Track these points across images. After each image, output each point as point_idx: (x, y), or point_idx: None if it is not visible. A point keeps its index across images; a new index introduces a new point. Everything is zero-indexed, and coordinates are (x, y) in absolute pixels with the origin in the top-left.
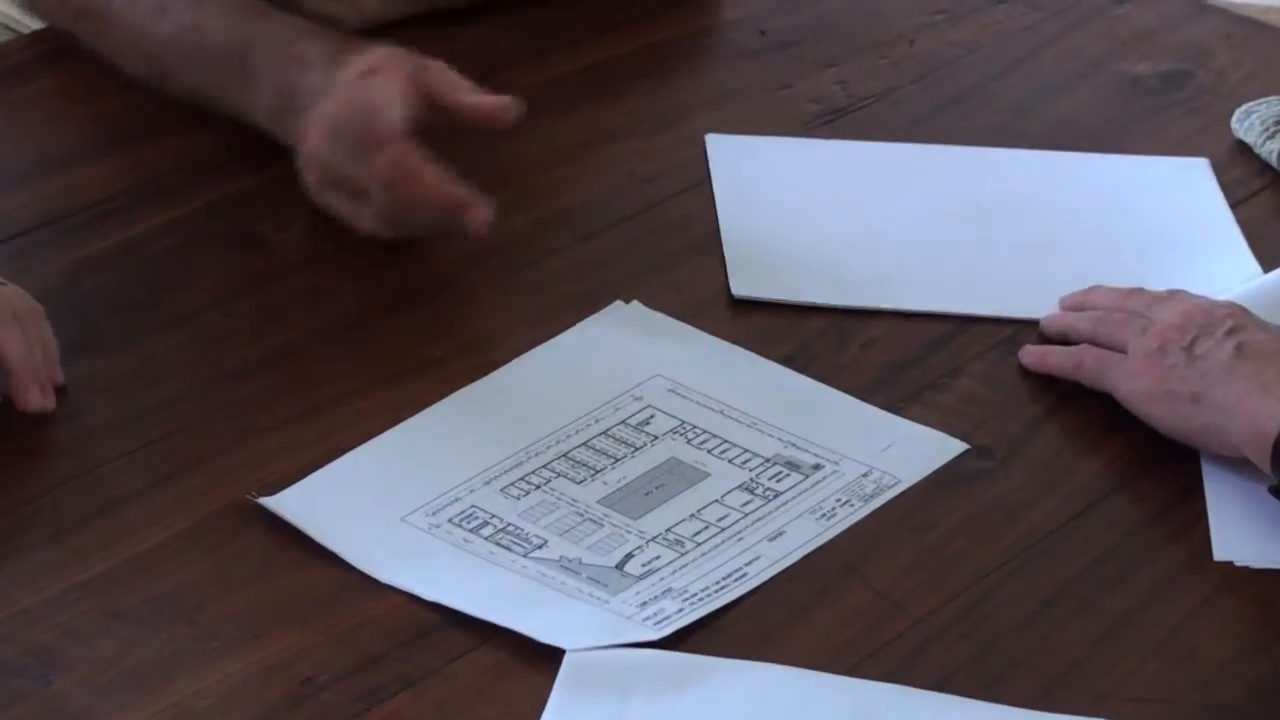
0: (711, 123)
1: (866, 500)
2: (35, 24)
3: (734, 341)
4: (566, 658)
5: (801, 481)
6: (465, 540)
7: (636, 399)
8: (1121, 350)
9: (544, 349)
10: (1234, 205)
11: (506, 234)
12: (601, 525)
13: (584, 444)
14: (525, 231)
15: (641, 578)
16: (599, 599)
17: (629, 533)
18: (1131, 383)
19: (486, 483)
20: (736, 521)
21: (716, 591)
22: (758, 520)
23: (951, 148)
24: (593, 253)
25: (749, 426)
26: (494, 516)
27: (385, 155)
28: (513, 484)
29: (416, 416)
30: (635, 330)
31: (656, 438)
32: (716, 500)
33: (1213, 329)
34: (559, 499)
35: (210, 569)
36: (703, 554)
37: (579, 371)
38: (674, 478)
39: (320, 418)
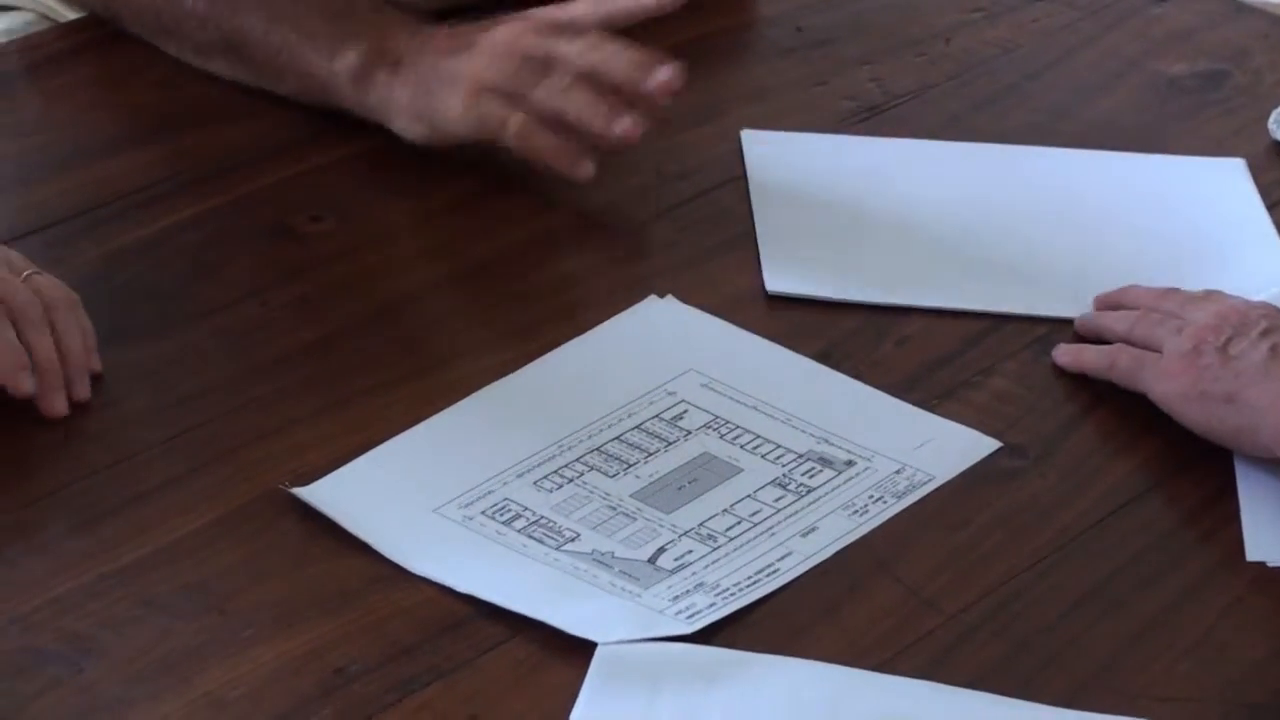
0: (747, 119)
1: (899, 497)
2: (72, 13)
3: (768, 337)
4: (598, 651)
5: (834, 478)
6: (498, 533)
7: (670, 394)
8: (1156, 350)
9: (578, 343)
10: (1270, 206)
11: (542, 227)
12: (634, 519)
13: (617, 438)
14: (561, 225)
15: (674, 572)
16: (631, 593)
17: (661, 527)
18: (1166, 383)
19: (519, 475)
20: (769, 517)
21: (748, 586)
22: (790, 516)
23: (987, 146)
24: (628, 247)
25: (782, 422)
26: (527, 509)
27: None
28: (546, 477)
29: (450, 409)
30: (669, 325)
31: (690, 432)
32: (749, 495)
33: (1247, 330)
34: (592, 492)
35: (243, 558)
36: (735, 549)
37: (613, 366)
38: (707, 472)
39: (353, 409)
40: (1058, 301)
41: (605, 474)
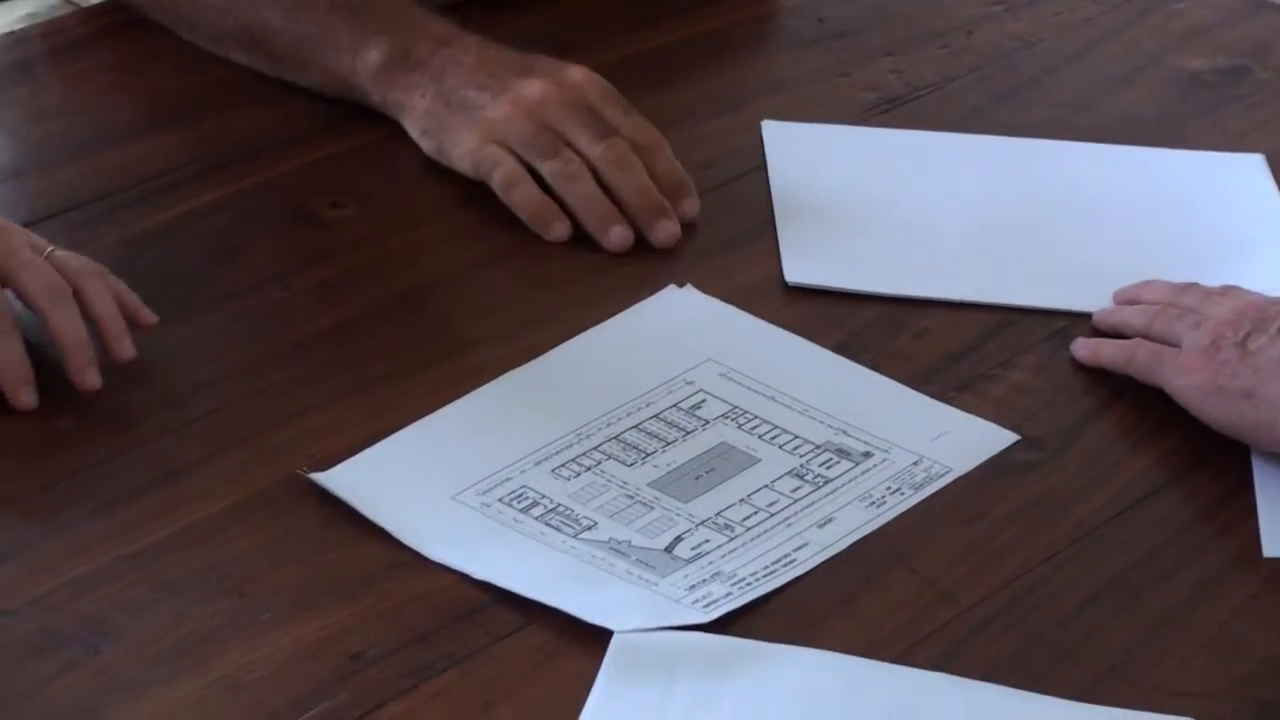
0: (769, 109)
1: (916, 489)
2: None
3: (787, 328)
4: (614, 639)
5: (852, 469)
6: (515, 520)
7: (688, 383)
8: (1175, 345)
9: (597, 331)
10: None
11: None
12: (651, 508)
13: (635, 427)
14: None
15: (690, 561)
16: (648, 581)
17: (679, 516)
18: (1184, 378)
19: (537, 463)
20: (786, 507)
21: (765, 576)
22: (807, 506)
23: (1008, 139)
24: None
25: (800, 413)
26: (544, 497)
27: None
28: (564, 465)
29: (469, 396)
30: (688, 314)
31: (708, 422)
32: (766, 485)
33: (1266, 325)
34: (609, 481)
35: (261, 543)
36: (752, 539)
37: (631, 354)
38: (724, 462)
39: (372, 394)
40: (1076, 295)
41: (623, 463)
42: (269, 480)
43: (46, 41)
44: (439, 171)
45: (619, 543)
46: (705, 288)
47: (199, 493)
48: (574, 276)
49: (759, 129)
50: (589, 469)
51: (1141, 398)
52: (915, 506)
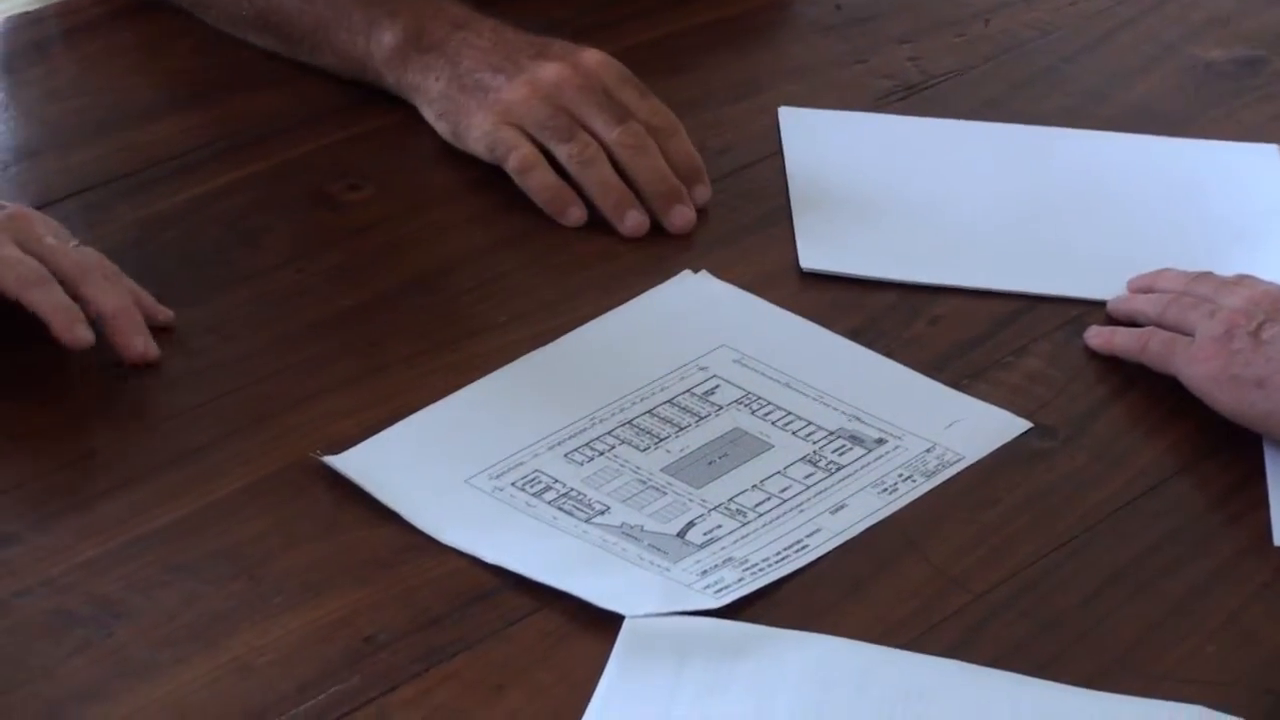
0: (785, 96)
1: (929, 476)
2: None
3: (801, 314)
4: (625, 623)
5: (865, 455)
6: (528, 504)
7: (702, 369)
8: (1188, 334)
9: (611, 316)
10: None
11: None
12: (664, 493)
13: (648, 412)
14: None
15: (702, 546)
16: (660, 566)
17: (691, 501)
18: (1197, 367)
19: (550, 448)
20: (799, 493)
21: (777, 562)
22: (820, 493)
23: (1024, 127)
24: None
25: (814, 399)
26: (557, 481)
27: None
28: (577, 450)
29: (482, 380)
30: (703, 300)
31: (721, 408)
32: (779, 472)
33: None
34: (622, 466)
35: (273, 525)
36: (764, 524)
37: (645, 339)
38: (737, 448)
39: (386, 378)
40: (1091, 284)
41: (636, 448)
42: (282, 462)
43: (62, 22)
44: (455, 155)
45: (631, 527)
46: (720, 273)
47: (212, 474)
48: (589, 261)
49: (775, 115)
50: (602, 454)
51: (1154, 386)
52: (928, 493)
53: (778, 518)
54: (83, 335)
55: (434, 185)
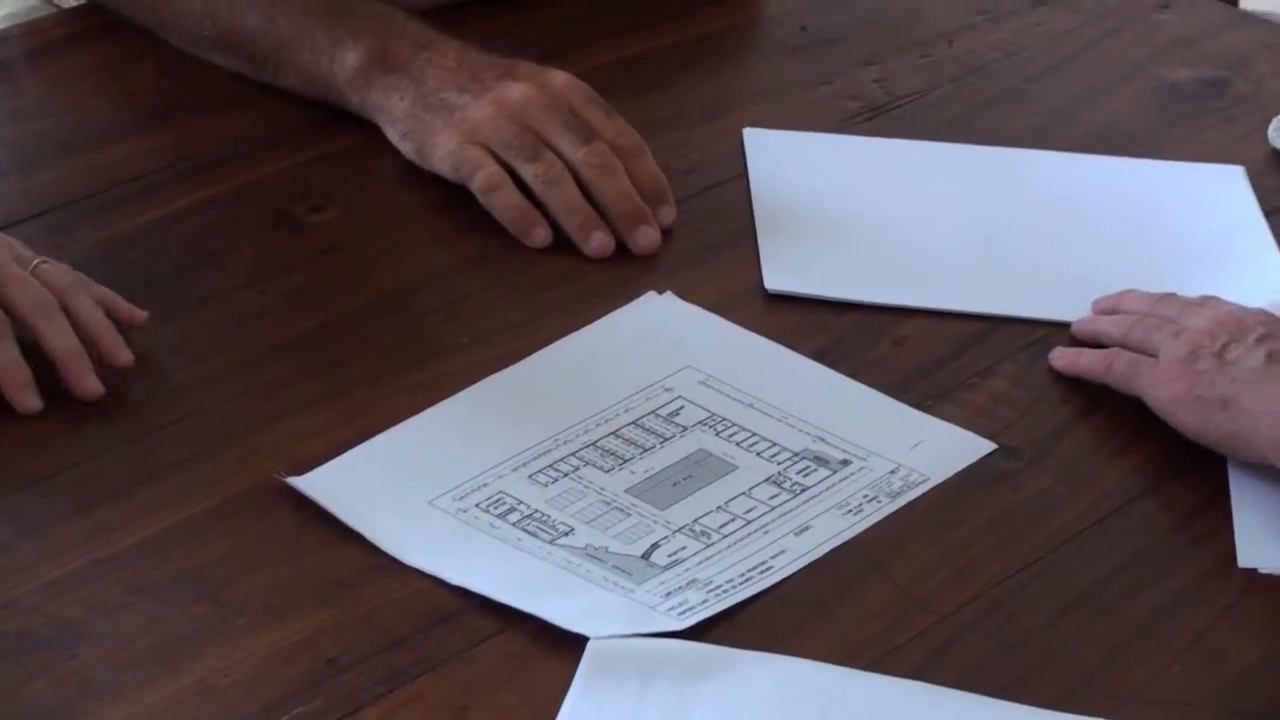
0: (750, 117)
1: (894, 497)
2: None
3: (766, 335)
4: (589, 645)
5: (829, 476)
6: (492, 525)
7: (667, 390)
8: (1152, 355)
9: (576, 337)
10: (1268, 213)
11: None
12: (628, 514)
13: (613, 433)
14: None
15: (667, 568)
16: (624, 588)
17: (655, 523)
18: (1161, 388)
19: (515, 469)
20: (763, 515)
21: (741, 584)
22: (784, 514)
23: (989, 148)
24: None
25: (778, 420)
26: (521, 503)
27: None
28: (541, 471)
29: (446, 401)
30: (667, 321)
31: (686, 429)
32: (744, 493)
33: (1244, 336)
34: (587, 487)
35: (236, 547)
36: (728, 546)
37: (610, 361)
38: (702, 469)
39: (350, 399)
40: (1055, 305)
41: (600, 469)
42: (245, 484)
43: (25, 42)
44: (418, 176)
45: (595, 549)
46: (685, 294)
47: (175, 496)
48: (553, 282)
49: (740, 136)
50: (566, 475)
51: (1119, 407)
52: (892, 515)
53: (742, 539)
54: (29, 403)
55: (397, 206)
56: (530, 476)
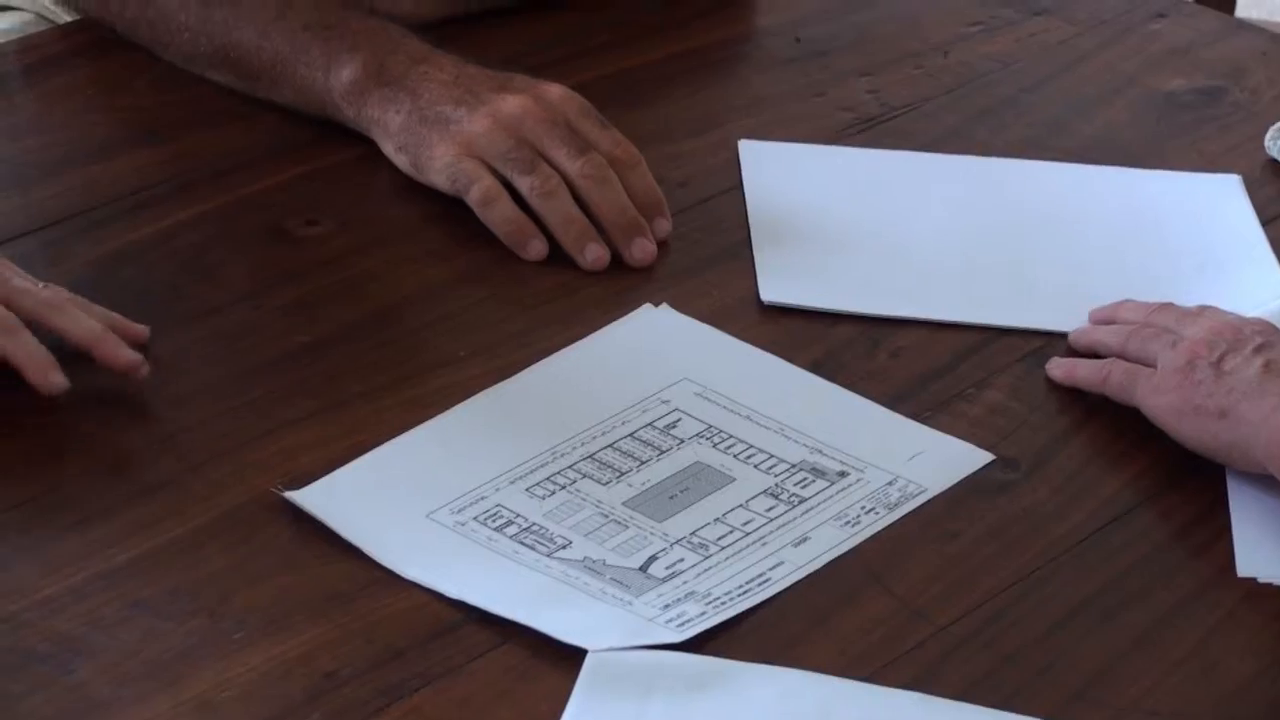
0: (745, 128)
1: (891, 508)
2: (69, 16)
3: (763, 347)
4: (588, 658)
5: (827, 488)
6: (490, 539)
7: (664, 402)
8: (1150, 365)
9: (572, 350)
10: (1265, 222)
11: None
12: (626, 527)
13: (610, 446)
14: None
15: (665, 580)
16: (622, 600)
17: (653, 535)
18: (1159, 398)
19: (512, 482)
20: (761, 526)
21: (740, 595)
22: (782, 526)
23: (984, 159)
24: None
25: (776, 432)
26: (519, 516)
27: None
28: (538, 484)
29: (443, 415)
30: (664, 333)
31: (683, 441)
32: (741, 505)
33: (1241, 346)
34: (584, 500)
35: (234, 561)
36: (726, 558)
37: (607, 373)
38: (699, 481)
39: (346, 413)
40: (1052, 315)
41: (598, 481)
42: (242, 498)
43: (21, 58)
44: (413, 190)
45: (593, 561)
46: (681, 307)
47: (171, 511)
48: (550, 295)
49: (735, 148)
50: (563, 488)
51: (1117, 417)
52: (890, 526)
53: (740, 551)
54: (57, 381)
55: (392, 220)
56: (528, 489)
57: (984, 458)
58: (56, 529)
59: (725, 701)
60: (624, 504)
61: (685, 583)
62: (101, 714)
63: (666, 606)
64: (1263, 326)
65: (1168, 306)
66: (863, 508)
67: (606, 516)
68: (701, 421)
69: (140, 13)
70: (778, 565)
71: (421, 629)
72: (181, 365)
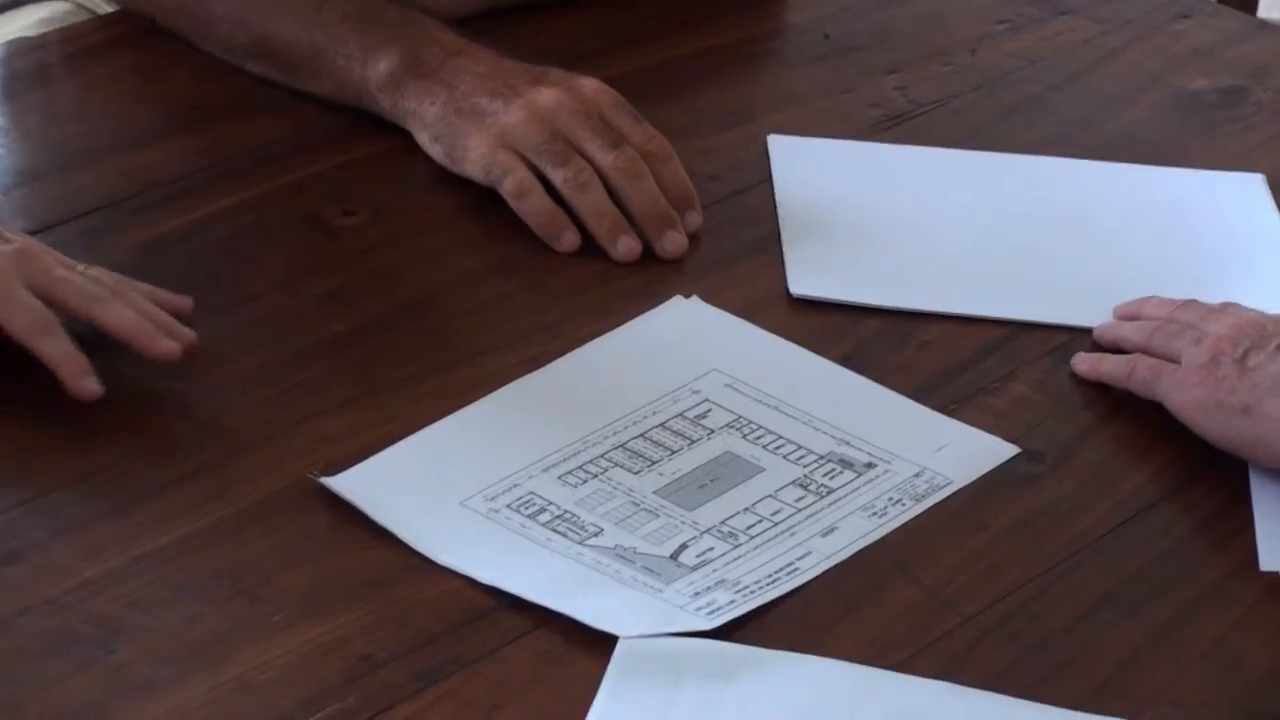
0: (774, 124)
1: (918, 500)
2: (109, 6)
3: (791, 339)
4: (619, 644)
5: (855, 479)
6: (523, 526)
7: (694, 393)
8: (1174, 361)
9: (604, 340)
10: None
11: None
12: (657, 515)
13: (641, 435)
14: None
15: (695, 568)
16: (652, 587)
17: (683, 524)
18: (1183, 393)
19: (545, 470)
20: (790, 516)
21: (768, 584)
22: (811, 516)
23: (1010, 156)
24: None
25: (804, 423)
26: (551, 503)
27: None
28: (570, 472)
29: (477, 403)
30: (694, 325)
31: (713, 431)
32: (770, 495)
33: (1265, 342)
34: (615, 488)
35: (272, 545)
36: (755, 547)
37: (638, 364)
38: (729, 471)
39: (382, 400)
40: (1077, 311)
41: (629, 470)
42: (280, 484)
43: (63, 48)
44: (448, 180)
45: (625, 549)
46: (711, 299)
47: (211, 496)
48: (582, 286)
49: (765, 143)
50: (595, 476)
51: (1141, 412)
52: (917, 517)
53: (769, 540)
54: (89, 387)
55: (427, 210)
56: (560, 478)
57: (1010, 450)
58: (97, 513)
59: (754, 689)
60: (655, 493)
61: (715, 571)
62: (142, 694)
63: (696, 594)
64: None
65: (1192, 303)
66: (890, 499)
67: (637, 505)
68: (731, 412)
69: (179, 3)
70: (806, 555)
71: (456, 614)
72: (220, 352)
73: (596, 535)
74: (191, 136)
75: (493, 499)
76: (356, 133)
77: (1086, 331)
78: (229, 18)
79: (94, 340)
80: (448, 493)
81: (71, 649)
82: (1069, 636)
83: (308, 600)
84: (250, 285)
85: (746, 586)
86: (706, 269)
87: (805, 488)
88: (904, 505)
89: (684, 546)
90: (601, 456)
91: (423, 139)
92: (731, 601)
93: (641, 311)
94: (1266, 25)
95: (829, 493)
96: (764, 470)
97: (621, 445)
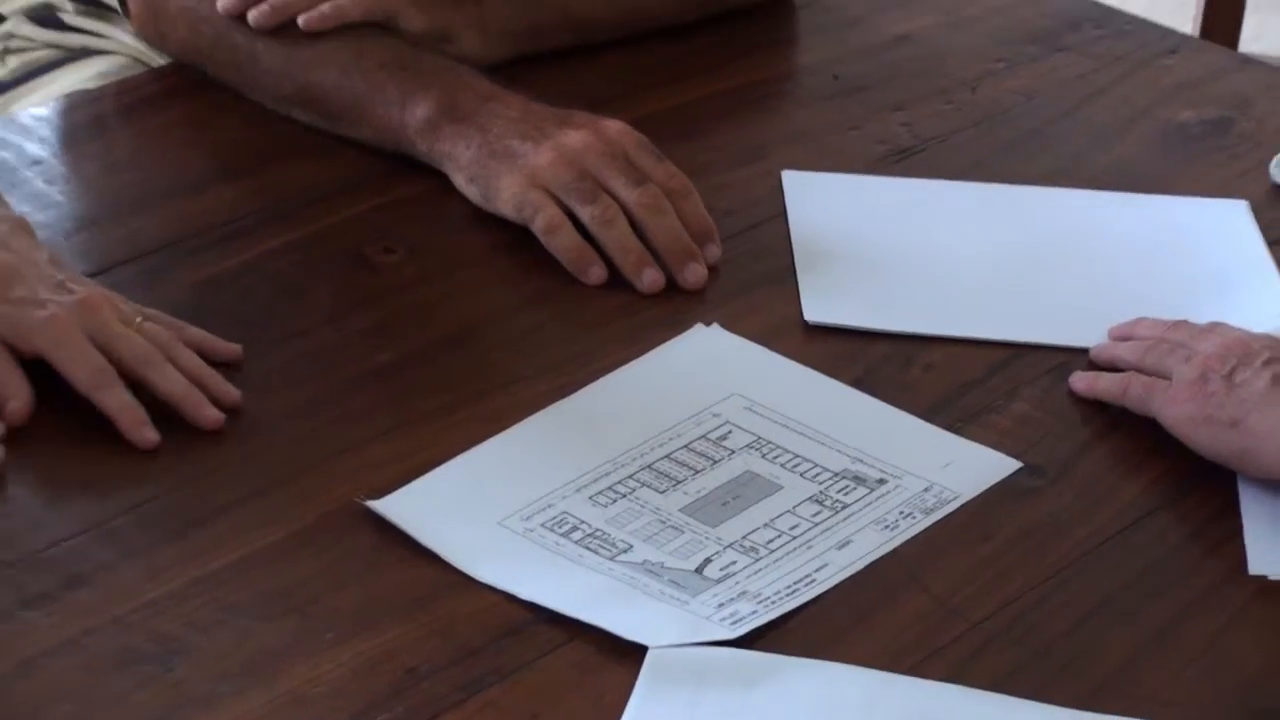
0: (788, 160)
1: (927, 513)
2: (162, 59)
3: (806, 364)
4: (649, 654)
5: (867, 495)
6: (557, 543)
7: (715, 415)
8: (1166, 378)
9: (630, 368)
10: (1271, 244)
11: None
12: (682, 532)
13: (666, 456)
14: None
15: (719, 581)
16: (679, 600)
17: (707, 539)
18: (1174, 408)
19: (577, 491)
20: (807, 531)
21: (788, 595)
22: (826, 530)
23: (1009, 187)
24: None
25: (819, 443)
26: (583, 522)
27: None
28: (600, 492)
29: (512, 429)
30: (715, 351)
31: (734, 452)
32: (788, 511)
33: (1251, 360)
34: (643, 507)
35: (321, 566)
36: (775, 560)
37: (662, 389)
38: (749, 489)
39: (423, 427)
40: (1074, 332)
41: (656, 490)
42: (328, 508)
43: (119, 99)
44: (482, 219)
45: (653, 564)
46: (731, 327)
47: (264, 520)
48: (609, 317)
49: (779, 178)
50: (624, 496)
51: (1135, 427)
52: (926, 529)
53: (788, 554)
54: (148, 437)
55: (463, 248)
56: (591, 498)
57: (1012, 465)
58: (159, 536)
59: (775, 693)
60: (680, 510)
61: (738, 583)
62: (201, 708)
63: (721, 605)
64: (1271, 342)
65: (1181, 323)
66: (901, 513)
67: (664, 522)
68: (751, 433)
69: (229, 56)
70: (822, 567)
71: (495, 628)
72: (270, 384)
73: (626, 551)
74: (242, 181)
75: (528, 519)
76: (396, 175)
77: (1083, 352)
78: (275, 69)
79: None
80: (486, 513)
81: (136, 665)
82: (1070, 640)
83: (356, 617)
84: (298, 320)
85: (767, 598)
86: (726, 298)
87: (821, 504)
88: (914, 519)
89: (708, 561)
90: (629, 477)
91: (458, 180)
92: (754, 612)
93: (665, 339)
94: (1249, 60)
95: (843, 508)
96: (782, 488)
97: (648, 466)
